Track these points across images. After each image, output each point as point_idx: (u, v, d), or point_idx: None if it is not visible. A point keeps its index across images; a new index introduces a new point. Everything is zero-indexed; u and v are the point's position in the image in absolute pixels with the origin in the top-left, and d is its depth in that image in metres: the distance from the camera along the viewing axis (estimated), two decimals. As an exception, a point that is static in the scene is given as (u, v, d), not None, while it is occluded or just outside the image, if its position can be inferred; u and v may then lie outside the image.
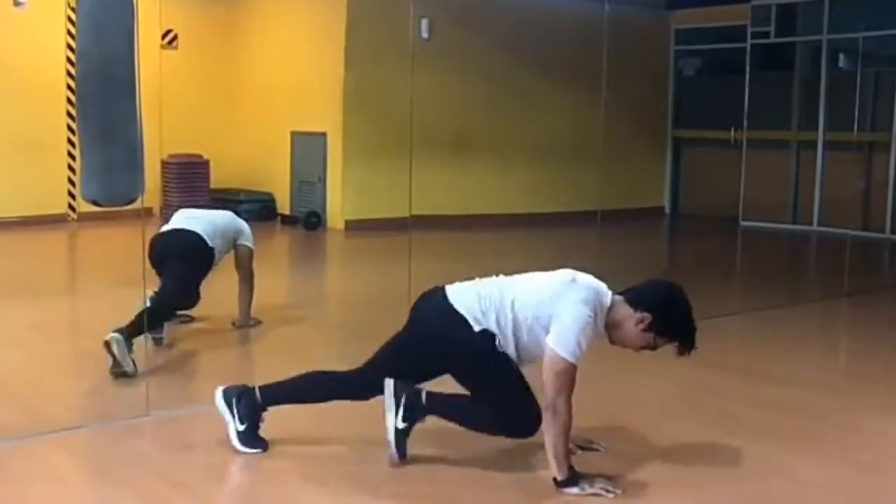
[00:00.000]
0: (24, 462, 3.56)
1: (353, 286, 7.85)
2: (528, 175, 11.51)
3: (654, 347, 3.42)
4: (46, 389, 4.57)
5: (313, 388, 3.66)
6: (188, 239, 5.31)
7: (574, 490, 3.26)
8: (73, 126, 9.43)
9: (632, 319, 3.37)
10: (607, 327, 3.40)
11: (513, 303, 3.40)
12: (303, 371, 3.69)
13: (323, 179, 10.74)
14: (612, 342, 3.46)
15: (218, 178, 11.04)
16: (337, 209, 10.60)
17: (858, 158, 11.20)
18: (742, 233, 11.54)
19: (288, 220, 10.99)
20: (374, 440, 3.56)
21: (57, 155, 10.32)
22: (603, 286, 3.45)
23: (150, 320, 4.77)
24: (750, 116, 11.64)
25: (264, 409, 3.62)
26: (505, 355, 3.41)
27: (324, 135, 10.69)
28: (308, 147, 10.90)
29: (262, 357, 5.38)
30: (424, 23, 10.19)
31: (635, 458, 3.67)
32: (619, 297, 3.44)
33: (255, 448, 3.57)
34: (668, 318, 3.37)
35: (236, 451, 3.57)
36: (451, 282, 3.62)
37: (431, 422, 3.53)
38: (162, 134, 8.98)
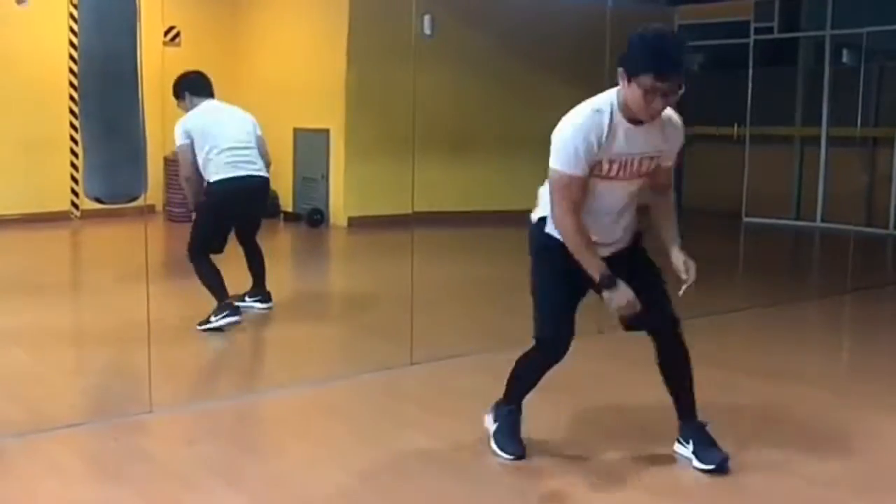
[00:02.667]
0: (26, 459, 3.57)
1: (356, 282, 7.85)
2: (530, 171, 11.35)
3: (647, 103, 3.10)
4: (49, 386, 4.57)
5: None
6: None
7: (606, 294, 3.22)
8: (76, 123, 9.43)
9: (623, 87, 3.18)
10: (625, 114, 3.21)
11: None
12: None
13: (326, 176, 10.74)
14: (638, 125, 3.22)
15: (221, 175, 11.03)
16: (340, 206, 10.61)
17: (862, 154, 11.18)
18: (745, 229, 11.53)
19: (291, 217, 10.99)
20: (374, 436, 3.55)
21: (60, 152, 10.33)
22: (605, 94, 3.27)
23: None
24: (753, 112, 11.63)
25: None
26: (557, 252, 3.30)
27: (326, 132, 10.69)
28: (311, 144, 10.90)
29: (266, 354, 5.38)
30: (427, 19, 10.19)
31: (637, 452, 3.67)
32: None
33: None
34: (628, 54, 3.13)
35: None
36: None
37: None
38: (164, 131, 8.97)
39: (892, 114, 10.99)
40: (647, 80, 3.06)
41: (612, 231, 3.43)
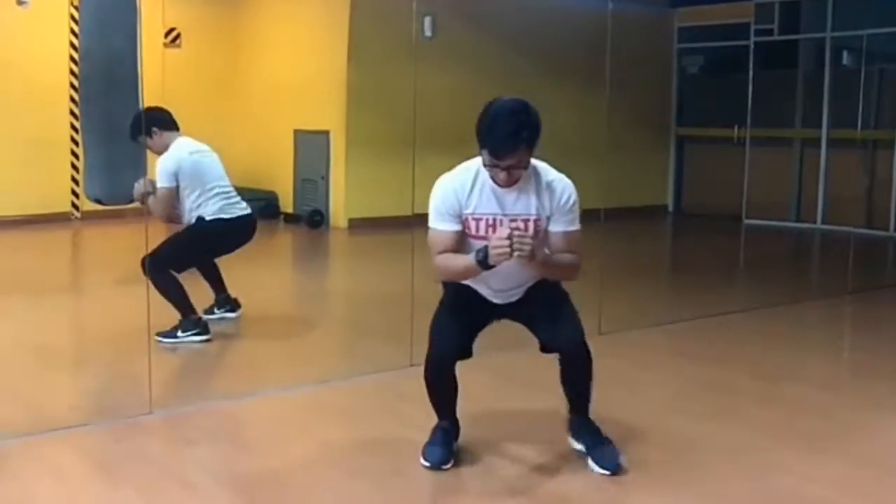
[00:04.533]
0: (27, 460, 3.57)
1: (356, 284, 7.86)
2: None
3: (493, 172, 3.28)
4: (50, 387, 4.58)
5: None
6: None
7: (489, 261, 3.21)
8: (77, 125, 9.44)
9: None
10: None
11: None
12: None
13: (326, 178, 10.74)
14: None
15: (221, 177, 11.03)
16: (340, 207, 10.61)
17: (862, 156, 11.19)
18: (745, 231, 11.53)
19: (291, 219, 10.99)
20: (376, 440, 3.56)
21: (60, 154, 10.33)
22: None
23: None
24: (753, 114, 11.63)
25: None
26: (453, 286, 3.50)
27: (327, 133, 10.69)
28: (311, 145, 10.90)
29: (265, 355, 5.38)
30: (427, 21, 10.20)
31: (638, 454, 3.67)
32: None
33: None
34: (477, 127, 3.30)
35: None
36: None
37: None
38: (165, 132, 8.98)
39: (893, 116, 10.99)
40: (486, 154, 3.26)
41: (503, 293, 3.51)
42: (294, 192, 11.19)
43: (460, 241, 3.38)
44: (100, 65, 6.60)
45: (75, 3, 9.98)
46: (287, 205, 11.22)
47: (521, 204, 3.37)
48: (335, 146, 10.61)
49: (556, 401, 3.70)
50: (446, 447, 3.52)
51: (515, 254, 3.15)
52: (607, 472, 3.43)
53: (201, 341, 5.28)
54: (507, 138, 3.20)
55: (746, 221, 11.79)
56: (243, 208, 5.57)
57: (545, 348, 3.51)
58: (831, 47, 11.40)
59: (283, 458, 3.61)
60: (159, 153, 5.35)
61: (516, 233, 3.18)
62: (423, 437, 3.58)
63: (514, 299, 3.52)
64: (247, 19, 11.79)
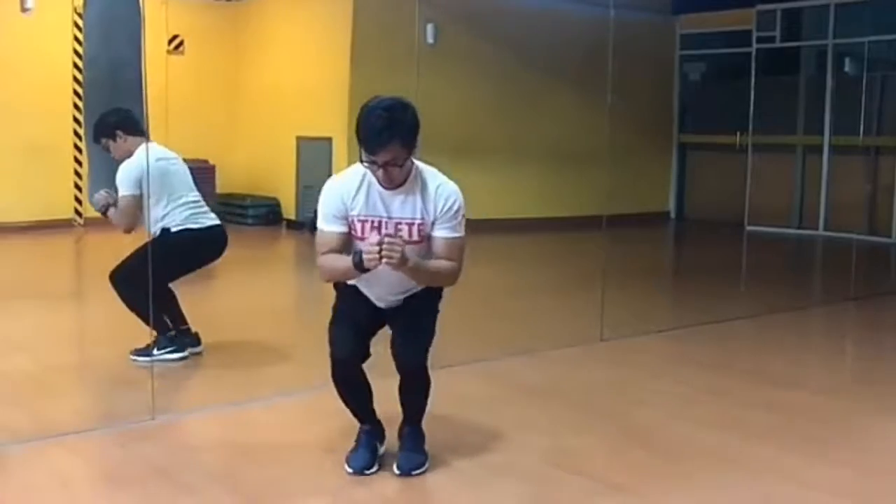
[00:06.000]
0: (30, 465, 3.57)
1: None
2: (533, 180, 11.52)
3: (372, 171, 3.31)
4: (53, 393, 4.58)
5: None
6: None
7: (364, 265, 3.23)
8: (80, 131, 9.47)
9: None
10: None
11: None
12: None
13: (329, 184, 10.75)
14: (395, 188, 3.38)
15: (224, 184, 11.07)
16: (343, 214, 10.60)
17: (864, 162, 11.19)
18: (748, 237, 11.52)
19: (293, 225, 11.01)
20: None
21: (64, 160, 10.36)
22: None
23: None
24: (755, 121, 11.62)
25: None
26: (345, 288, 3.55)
27: (329, 140, 10.71)
28: (314, 152, 10.92)
29: (267, 360, 5.38)
30: (430, 28, 10.23)
31: (641, 459, 3.68)
32: None
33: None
34: (355, 126, 3.28)
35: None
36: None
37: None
38: (168, 139, 8.98)
39: (894, 123, 11.00)
40: (362, 151, 3.27)
41: (384, 300, 3.54)
42: (296, 198, 11.21)
43: (346, 243, 3.41)
44: (103, 71, 6.61)
45: (79, 10, 10.02)
46: (289, 211, 11.24)
47: (407, 208, 3.39)
48: (338, 153, 10.62)
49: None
50: (369, 451, 3.53)
51: (384, 260, 3.18)
52: (398, 473, 3.46)
53: (178, 359, 5.00)
54: (379, 133, 3.21)
55: (749, 228, 11.78)
56: (213, 219, 5.12)
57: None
58: (833, 54, 11.42)
59: (285, 463, 3.62)
60: (122, 159, 4.94)
61: (387, 239, 3.20)
62: (427, 442, 3.59)
63: (395, 305, 3.55)
64: (250, 26, 11.82)
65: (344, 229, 3.40)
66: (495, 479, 3.50)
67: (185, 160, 5.29)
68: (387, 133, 3.20)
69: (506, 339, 5.79)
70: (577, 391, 4.70)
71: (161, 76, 9.29)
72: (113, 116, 5.00)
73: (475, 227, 11.81)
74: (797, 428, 4.20)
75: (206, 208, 5.13)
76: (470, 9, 10.80)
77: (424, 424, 3.62)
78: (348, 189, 3.40)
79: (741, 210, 11.88)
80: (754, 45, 11.83)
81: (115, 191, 4.95)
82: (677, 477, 3.57)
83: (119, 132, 4.95)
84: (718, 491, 3.45)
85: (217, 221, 5.15)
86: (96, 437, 3.94)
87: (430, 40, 10.28)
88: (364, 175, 3.39)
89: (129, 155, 4.92)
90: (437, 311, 3.57)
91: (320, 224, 3.43)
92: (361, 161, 3.31)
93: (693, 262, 10.43)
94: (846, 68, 11.78)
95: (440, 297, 3.60)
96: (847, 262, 8.09)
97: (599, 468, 3.61)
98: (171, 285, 5.08)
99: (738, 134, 11.83)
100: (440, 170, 3.59)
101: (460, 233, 3.49)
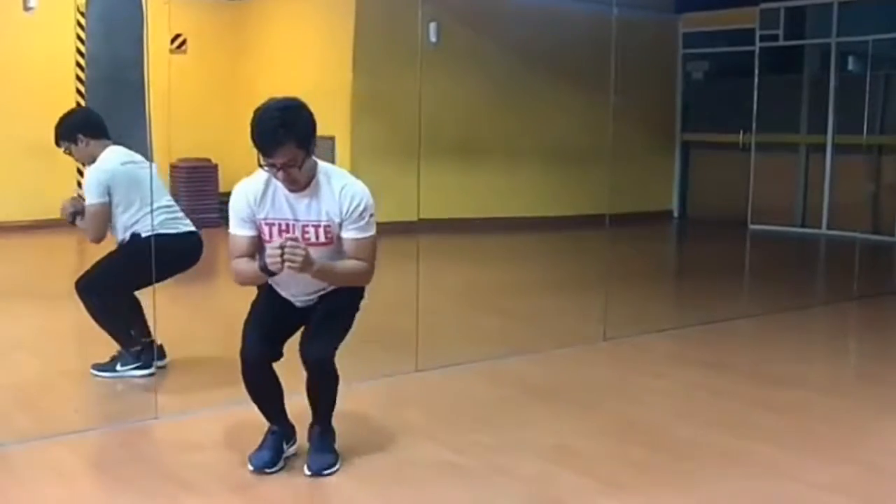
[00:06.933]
0: (33, 464, 3.58)
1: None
2: (536, 178, 11.51)
3: (275, 168, 3.33)
4: (56, 392, 4.58)
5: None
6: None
7: (264, 264, 3.26)
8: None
9: None
10: None
11: None
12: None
13: (331, 183, 10.74)
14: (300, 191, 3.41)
15: (227, 182, 11.05)
16: (345, 213, 10.60)
17: (868, 161, 11.17)
18: (751, 236, 11.50)
19: (296, 224, 10.99)
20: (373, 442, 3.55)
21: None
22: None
23: None
24: (758, 120, 11.60)
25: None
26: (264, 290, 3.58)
27: (332, 139, 10.68)
28: (316, 151, 10.88)
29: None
30: (433, 27, 10.22)
31: (643, 458, 3.67)
32: None
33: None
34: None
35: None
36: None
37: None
38: (170, 138, 9.01)
39: (898, 121, 10.99)
40: (260, 155, 3.29)
41: (302, 298, 3.56)
42: (299, 197, 11.19)
43: (256, 246, 3.41)
44: (106, 71, 6.63)
45: (82, 9, 10.03)
46: (292, 210, 11.22)
47: (313, 210, 3.39)
48: (340, 152, 10.61)
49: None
50: (273, 450, 3.54)
51: (286, 264, 3.18)
52: (308, 473, 3.47)
53: (143, 376, 4.67)
54: (269, 134, 3.23)
55: (752, 227, 11.76)
56: (188, 224, 4.77)
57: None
58: (837, 53, 11.40)
59: (288, 463, 3.61)
60: (86, 164, 4.71)
61: (289, 243, 3.20)
62: (426, 441, 3.59)
63: (311, 304, 3.55)
64: (252, 26, 11.81)
65: (253, 233, 3.41)
66: (497, 478, 3.50)
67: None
68: (282, 132, 3.21)
69: (508, 338, 5.78)
70: (579, 390, 4.70)
71: (163, 75, 9.26)
72: (73, 118, 4.75)
73: (477, 226, 11.89)
74: (801, 427, 4.19)
75: (180, 213, 4.79)
76: (473, 7, 10.79)
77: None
78: (255, 192, 3.41)
79: (744, 209, 11.86)
80: (757, 44, 11.80)
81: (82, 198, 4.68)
82: (679, 476, 3.56)
83: (80, 135, 4.68)
84: (721, 490, 3.45)
85: (193, 228, 4.79)
86: (99, 436, 3.94)
87: (433, 39, 10.27)
88: (270, 178, 3.37)
89: (93, 160, 4.68)
90: (356, 309, 3.59)
91: (231, 228, 3.44)
92: (260, 165, 3.30)
93: (696, 260, 10.42)
94: (850, 67, 11.75)
95: (361, 296, 3.61)
96: (850, 262, 8.08)
97: (601, 467, 3.61)
98: (136, 294, 4.76)
99: (742, 133, 11.81)
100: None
101: (370, 232, 3.50)
